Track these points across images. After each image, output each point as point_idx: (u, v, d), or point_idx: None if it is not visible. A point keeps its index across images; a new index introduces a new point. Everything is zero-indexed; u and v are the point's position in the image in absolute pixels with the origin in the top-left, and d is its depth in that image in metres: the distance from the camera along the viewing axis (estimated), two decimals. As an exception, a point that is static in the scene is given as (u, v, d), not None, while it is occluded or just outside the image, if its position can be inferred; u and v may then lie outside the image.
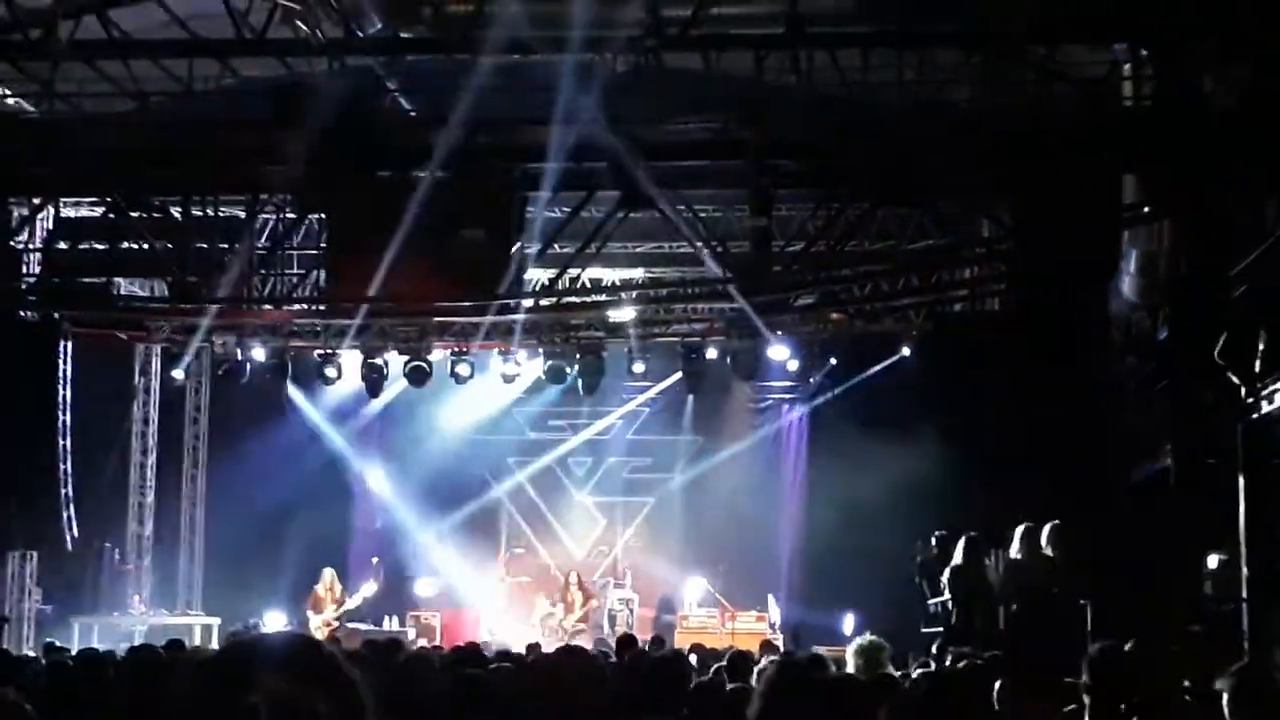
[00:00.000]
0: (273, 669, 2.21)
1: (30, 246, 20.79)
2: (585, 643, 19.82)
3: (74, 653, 14.68)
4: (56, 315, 20.63)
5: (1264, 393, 13.90)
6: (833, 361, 25.38)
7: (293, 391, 24.69)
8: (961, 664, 10.87)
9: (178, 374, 23.78)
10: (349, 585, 24.80)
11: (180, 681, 2.32)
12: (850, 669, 9.00)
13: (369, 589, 24.74)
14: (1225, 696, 7.17)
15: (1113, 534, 17.79)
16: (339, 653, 2.34)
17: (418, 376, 22.25)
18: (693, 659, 10.61)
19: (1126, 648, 6.75)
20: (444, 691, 7.00)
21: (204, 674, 2.26)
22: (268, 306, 21.11)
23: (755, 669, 11.26)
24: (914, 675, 8.10)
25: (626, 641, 15.03)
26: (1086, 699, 6.20)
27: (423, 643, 21.06)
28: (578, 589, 25.97)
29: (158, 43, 17.99)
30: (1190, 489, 16.10)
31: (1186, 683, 9.08)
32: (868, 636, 9.47)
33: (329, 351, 22.87)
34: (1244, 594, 14.20)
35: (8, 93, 19.51)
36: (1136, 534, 17.46)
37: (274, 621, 24.26)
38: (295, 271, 21.84)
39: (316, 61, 18.44)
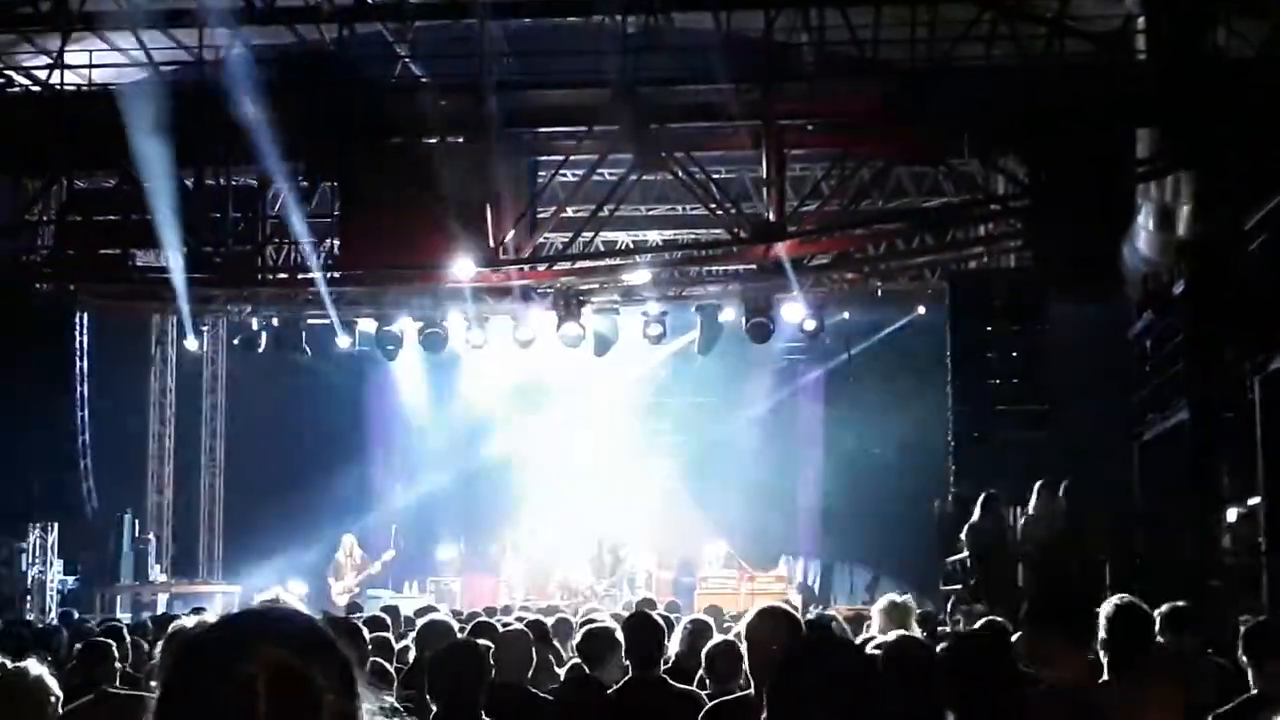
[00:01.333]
0: (271, 640, 2.19)
1: (45, 219, 20.82)
2: (612, 606, 19.87)
3: (96, 623, 14.79)
4: (72, 287, 20.68)
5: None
6: (848, 320, 25.32)
7: (308, 359, 24.68)
8: (978, 624, 10.88)
9: (192, 344, 23.83)
10: (369, 552, 24.88)
11: (176, 651, 2.32)
12: (876, 629, 9.02)
13: (389, 555, 24.84)
14: (1240, 647, 7.19)
15: (1130, 489, 17.80)
16: (332, 630, 2.32)
17: (433, 343, 22.23)
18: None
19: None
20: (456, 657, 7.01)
21: (200, 643, 2.25)
22: (282, 275, 21.09)
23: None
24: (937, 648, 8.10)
25: (646, 605, 15.04)
26: (1104, 654, 6.20)
27: (444, 608, 21.13)
28: (610, 553, 26.04)
29: (167, 12, 17.98)
30: (1208, 443, 16.08)
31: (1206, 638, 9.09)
32: (894, 596, 9.49)
33: (344, 319, 22.87)
34: (1263, 548, 14.19)
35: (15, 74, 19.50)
36: (1154, 489, 17.46)
37: (296, 589, 24.36)
38: (308, 240, 21.83)
39: (326, 29, 18.41)
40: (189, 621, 5.12)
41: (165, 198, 18.18)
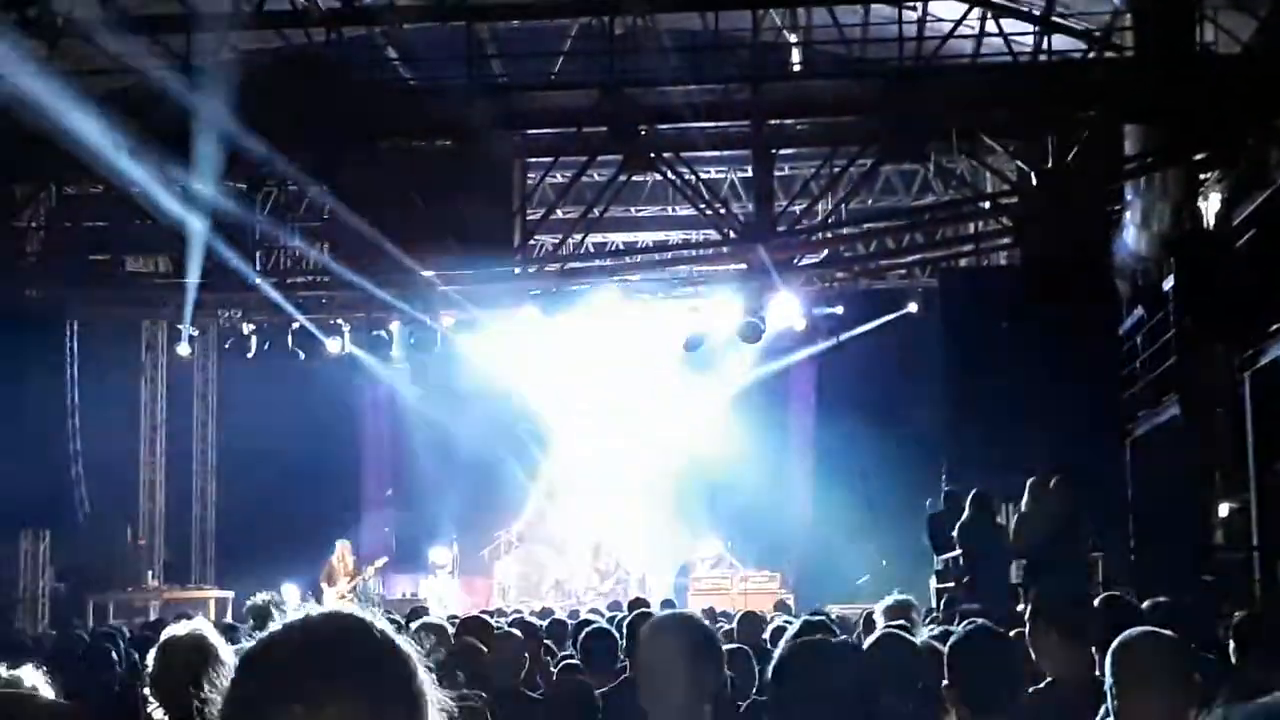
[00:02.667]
0: (340, 690, 1.93)
1: (34, 225, 20.79)
2: (604, 606, 19.88)
3: (89, 629, 14.77)
4: (63, 294, 20.64)
5: (1271, 340, 13.88)
6: (839, 319, 25.33)
7: (300, 363, 24.65)
8: (971, 621, 10.88)
9: (183, 349, 23.77)
10: (362, 556, 24.86)
11: (227, 690, 1.99)
12: (880, 628, 9.02)
13: (381, 562, 24.83)
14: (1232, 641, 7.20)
15: (1121, 486, 17.82)
16: (412, 651, 2.02)
17: (424, 344, 22.21)
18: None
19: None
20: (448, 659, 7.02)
21: (248, 695, 1.95)
22: (271, 279, 21.07)
23: (768, 628, 11.32)
24: (926, 637, 8.09)
25: (638, 604, 15.05)
26: (1095, 651, 6.21)
27: (437, 610, 21.11)
28: (603, 554, 26.10)
29: (155, 18, 17.96)
30: (1199, 438, 16.10)
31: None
32: (896, 595, 9.52)
33: (335, 322, 22.85)
34: (1255, 542, 14.21)
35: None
36: (1145, 485, 17.48)
37: (289, 595, 24.31)
38: (298, 244, 21.81)
39: (315, 33, 18.41)
40: (180, 629, 5.08)
41: (155, 204, 18.17)
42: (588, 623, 10.86)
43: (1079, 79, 17.23)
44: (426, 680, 2.02)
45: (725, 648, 5.31)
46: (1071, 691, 5.87)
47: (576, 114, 18.36)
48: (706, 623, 5.18)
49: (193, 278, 19.54)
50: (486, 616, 12.41)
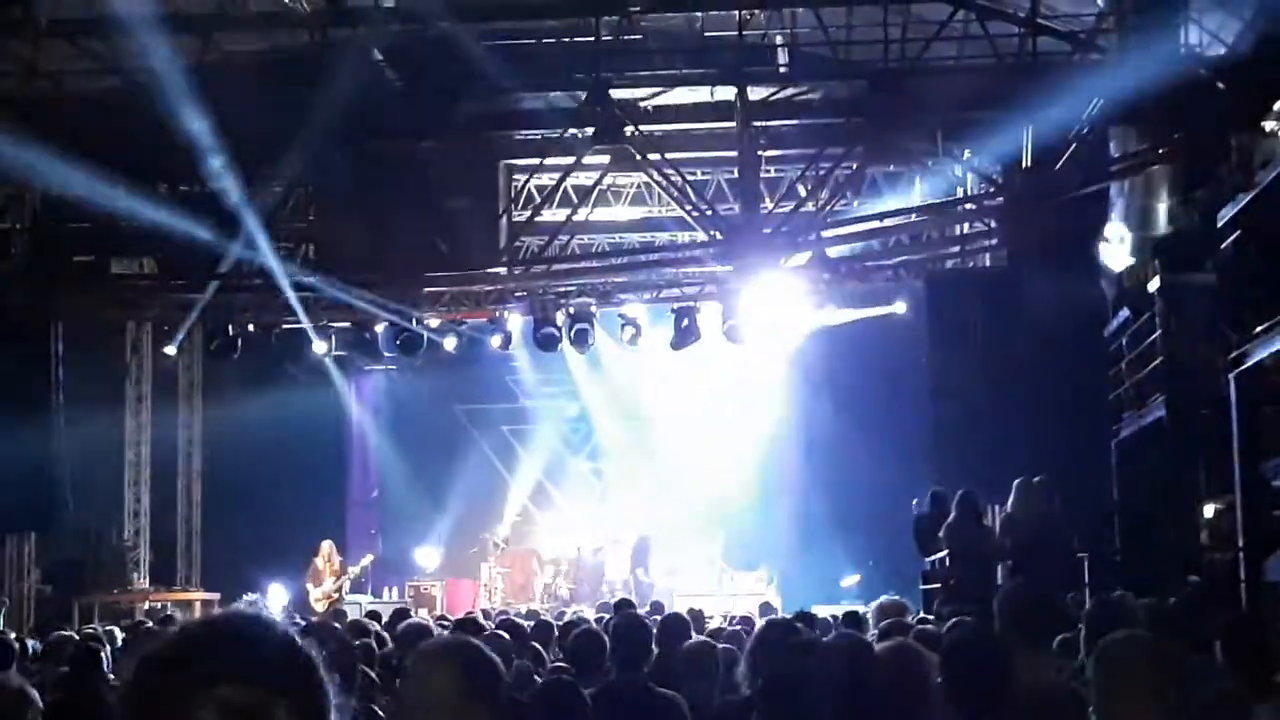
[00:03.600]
0: (235, 675, 1.96)
1: (18, 227, 20.72)
2: (585, 610, 19.88)
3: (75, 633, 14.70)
4: (48, 295, 20.58)
5: (1256, 341, 13.90)
6: (826, 320, 25.33)
7: (286, 365, 24.60)
8: (958, 623, 10.89)
9: (170, 350, 23.72)
10: (348, 557, 24.83)
11: (127, 683, 2.05)
12: (871, 629, 9.05)
13: (367, 560, 24.81)
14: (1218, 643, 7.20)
15: (1108, 487, 17.84)
16: (316, 650, 2.07)
17: (409, 346, 22.18)
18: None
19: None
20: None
21: (151, 682, 2.00)
22: (257, 281, 21.03)
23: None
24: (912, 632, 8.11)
25: (623, 606, 15.05)
26: (1084, 651, 6.22)
27: (423, 613, 21.09)
28: (589, 556, 26.15)
29: (140, 19, 17.90)
30: (1185, 439, 16.13)
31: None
32: (890, 595, 9.55)
33: (320, 324, 22.82)
34: (1240, 543, 14.23)
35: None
36: (1131, 486, 17.50)
37: (276, 595, 24.31)
38: (284, 245, 21.77)
39: (300, 34, 18.38)
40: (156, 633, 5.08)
41: (140, 205, 18.14)
42: (574, 625, 10.86)
43: (1064, 81, 17.25)
44: (327, 679, 2.06)
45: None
46: (1038, 695, 5.86)
47: (562, 116, 18.36)
48: (484, 649, 4.49)
49: (179, 279, 19.53)
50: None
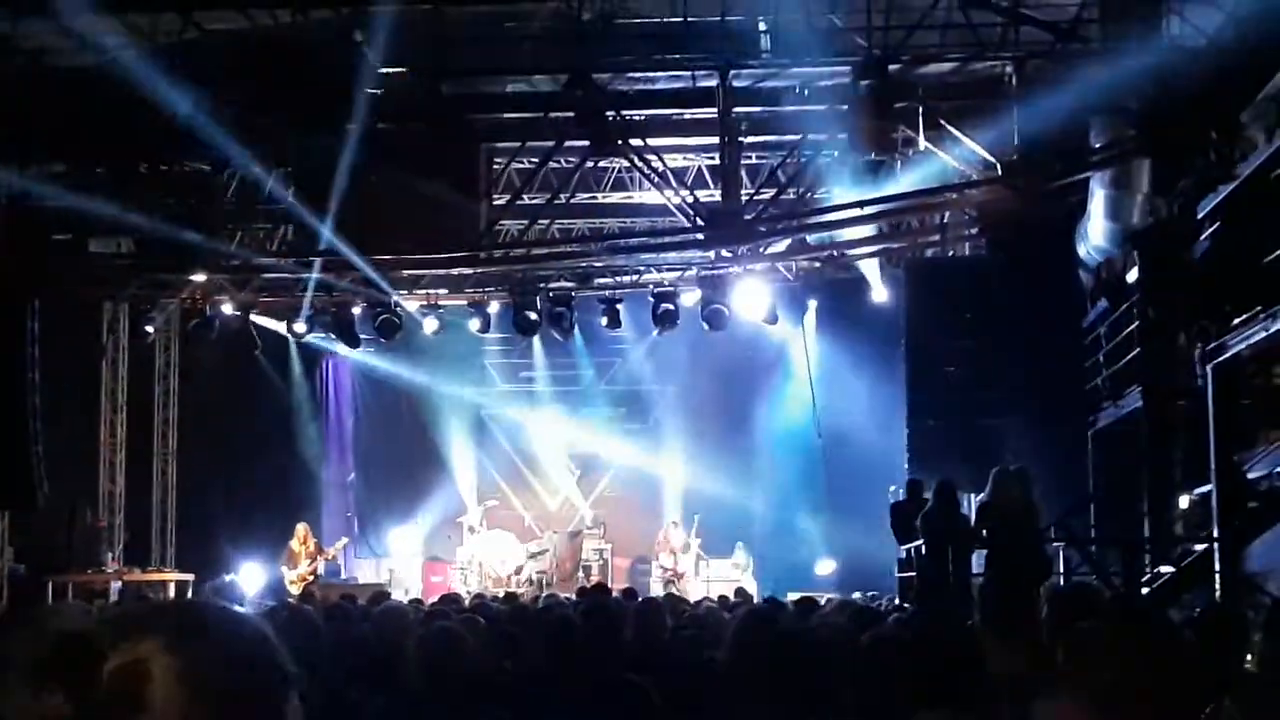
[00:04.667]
0: (147, 628, 2.05)
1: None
2: (566, 593, 19.89)
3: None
4: (24, 274, 20.47)
5: (1233, 334, 13.95)
6: (804, 307, 25.36)
7: (263, 346, 24.55)
8: (932, 609, 10.94)
9: (148, 330, 23.65)
10: (323, 540, 24.80)
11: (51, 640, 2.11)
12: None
13: (343, 543, 24.79)
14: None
15: (1084, 476, 17.90)
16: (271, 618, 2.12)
17: (387, 329, 22.16)
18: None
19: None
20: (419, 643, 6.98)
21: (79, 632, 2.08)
22: (235, 262, 20.97)
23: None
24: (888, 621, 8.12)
25: (598, 590, 15.07)
26: (1050, 639, 6.22)
27: (399, 595, 21.09)
28: (567, 540, 26.14)
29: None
30: (1160, 430, 16.18)
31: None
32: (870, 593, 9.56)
33: (298, 306, 22.77)
34: (1215, 533, 14.28)
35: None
36: (1107, 476, 17.56)
37: (248, 574, 24.29)
38: (262, 226, 21.71)
39: (280, 14, 18.29)
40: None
41: (119, 184, 18.06)
42: (549, 609, 10.83)
43: (1045, 71, 17.26)
44: (267, 661, 2.11)
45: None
46: (1024, 682, 5.87)
47: (543, 99, 18.31)
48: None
49: (153, 259, 19.45)
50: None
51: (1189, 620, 7.46)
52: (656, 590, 22.46)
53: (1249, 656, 6.83)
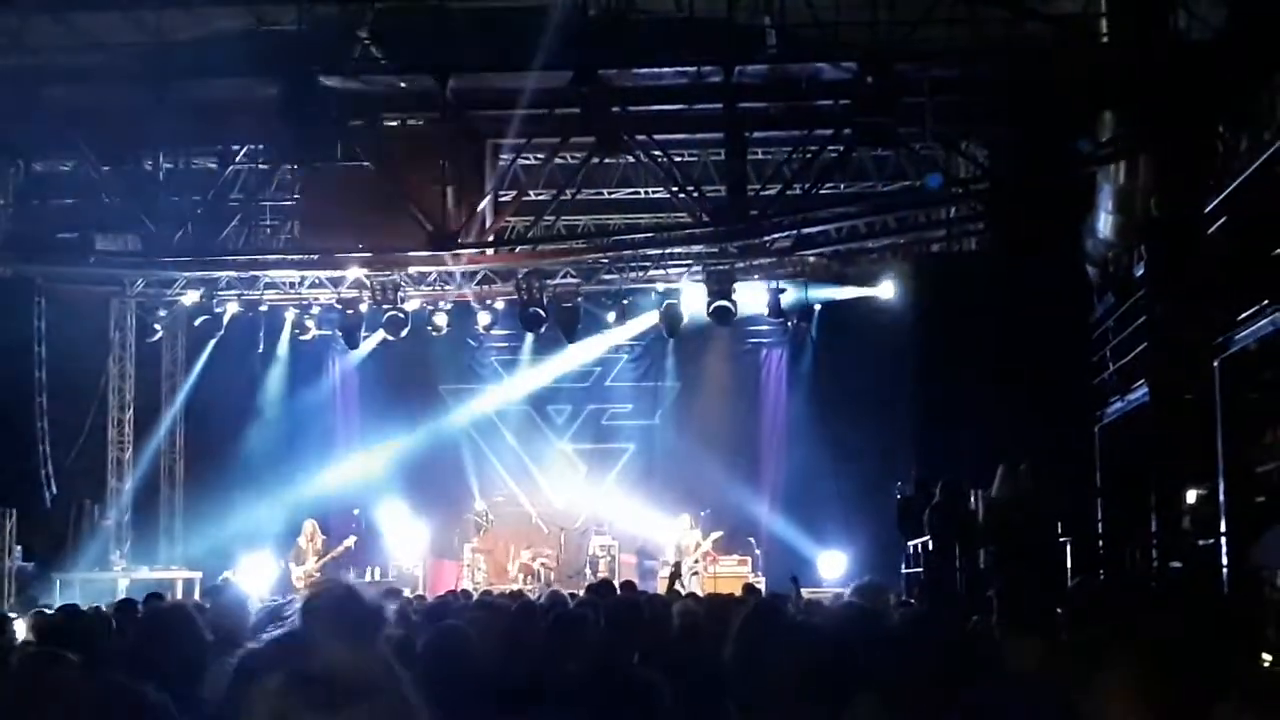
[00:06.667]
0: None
1: (2, 203, 20.63)
2: (573, 589, 19.88)
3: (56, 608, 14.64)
4: (31, 271, 20.50)
5: (1241, 327, 13.91)
6: (812, 302, 25.36)
7: (269, 343, 24.57)
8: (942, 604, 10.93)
9: (155, 327, 23.68)
10: (330, 536, 24.81)
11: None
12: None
13: (350, 540, 24.78)
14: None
15: (1092, 471, 17.86)
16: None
17: (394, 326, 22.15)
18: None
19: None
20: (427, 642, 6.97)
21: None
22: (242, 258, 20.98)
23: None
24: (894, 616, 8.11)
25: (604, 586, 15.04)
26: (1066, 637, 6.20)
27: (406, 592, 21.09)
28: (572, 536, 26.15)
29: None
30: (1168, 424, 16.13)
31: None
32: (867, 578, 9.53)
33: (305, 302, 22.78)
34: (1223, 529, 14.24)
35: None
36: (1115, 471, 17.52)
37: (249, 569, 24.32)
38: (269, 222, 21.72)
39: (285, 11, 18.29)
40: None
41: (125, 180, 18.05)
42: (555, 605, 10.82)
43: (1052, 65, 17.23)
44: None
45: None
46: (1039, 680, 5.85)
47: (549, 95, 18.29)
48: None
49: (160, 256, 19.45)
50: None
51: (1195, 616, 7.44)
52: (663, 586, 22.44)
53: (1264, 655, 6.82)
